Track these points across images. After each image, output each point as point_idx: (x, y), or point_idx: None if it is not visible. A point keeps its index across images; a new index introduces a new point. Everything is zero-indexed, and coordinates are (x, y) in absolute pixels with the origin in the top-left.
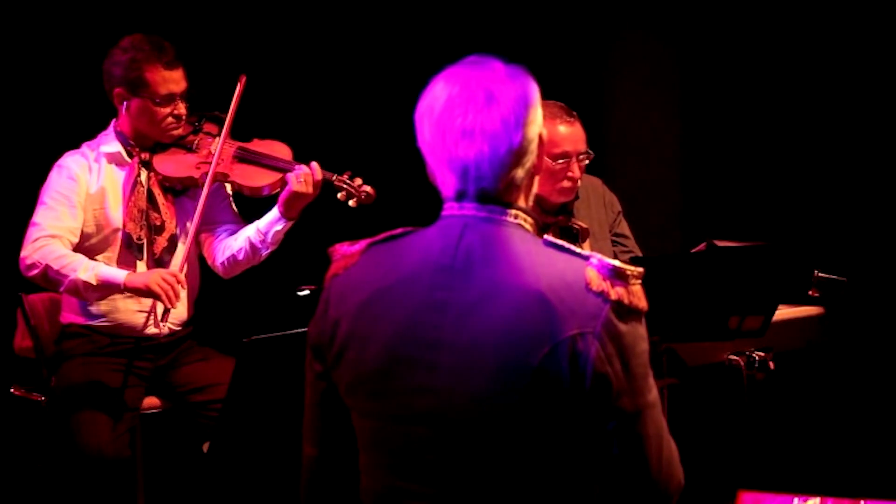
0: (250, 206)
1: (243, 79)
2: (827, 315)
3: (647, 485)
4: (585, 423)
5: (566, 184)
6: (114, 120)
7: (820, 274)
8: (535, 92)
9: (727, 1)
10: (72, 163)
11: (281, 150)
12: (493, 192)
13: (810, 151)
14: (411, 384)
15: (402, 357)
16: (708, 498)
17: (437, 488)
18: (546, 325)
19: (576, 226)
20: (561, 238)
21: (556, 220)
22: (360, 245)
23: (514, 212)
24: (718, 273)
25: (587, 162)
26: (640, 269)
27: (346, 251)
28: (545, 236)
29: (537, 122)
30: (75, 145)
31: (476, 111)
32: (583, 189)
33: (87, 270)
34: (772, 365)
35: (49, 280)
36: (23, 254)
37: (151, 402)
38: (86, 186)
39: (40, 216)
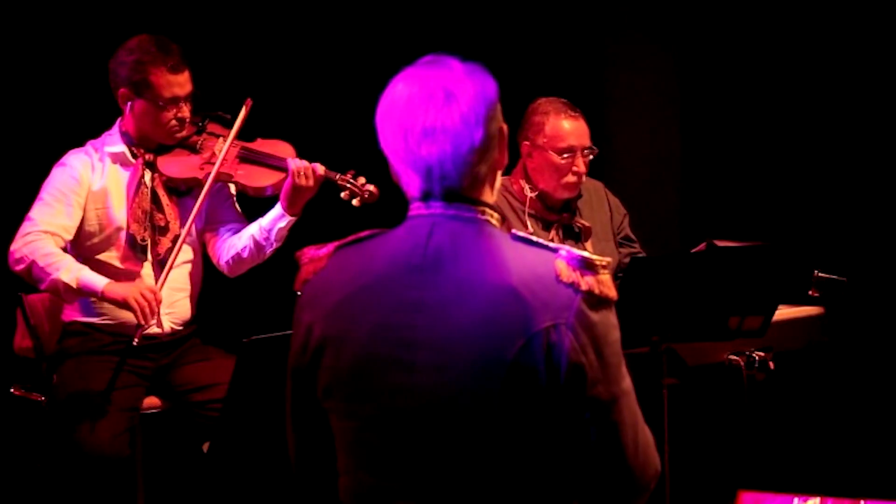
0: (254, 205)
1: (249, 103)
2: (827, 315)
3: (625, 472)
4: (562, 413)
5: (571, 178)
6: (119, 119)
7: (820, 274)
8: (493, 88)
9: (726, 2)
10: (75, 160)
11: (284, 150)
12: (459, 190)
13: (810, 151)
14: (389, 384)
15: (378, 358)
16: (708, 498)
17: (419, 486)
18: (519, 319)
19: (578, 224)
20: (564, 236)
21: (560, 217)
22: (328, 248)
23: (480, 208)
24: (718, 273)
25: (591, 157)
26: (608, 259)
27: (313, 255)
28: (513, 230)
29: (497, 118)
30: (79, 144)
31: (436, 110)
32: (585, 190)
33: (70, 272)
34: (772, 365)
35: (32, 276)
36: (12, 247)
37: (152, 401)
38: (88, 185)
39: (36, 212)
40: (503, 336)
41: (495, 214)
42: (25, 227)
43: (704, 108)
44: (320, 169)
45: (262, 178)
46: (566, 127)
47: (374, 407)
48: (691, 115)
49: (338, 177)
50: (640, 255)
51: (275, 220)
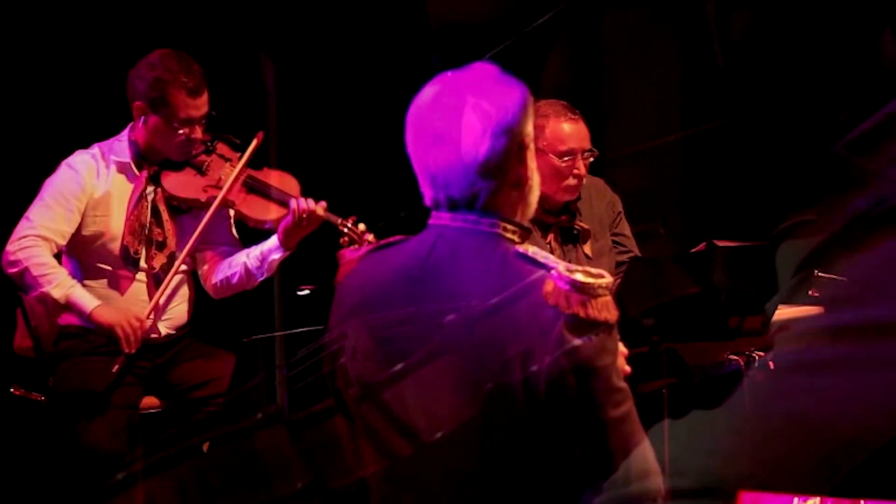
0: (251, 230)
1: (260, 136)
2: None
3: (618, 497)
4: (547, 436)
5: (571, 181)
6: (129, 126)
7: (820, 274)
8: (520, 102)
9: (728, 1)
10: (80, 164)
11: (290, 185)
12: (462, 200)
13: (810, 151)
14: (389, 395)
15: (378, 367)
16: (708, 498)
17: (425, 499)
18: (498, 341)
19: (577, 227)
20: (562, 238)
21: (559, 220)
22: (361, 252)
23: (490, 221)
24: (718, 273)
25: (591, 160)
26: (609, 280)
27: (348, 258)
28: (516, 247)
29: (517, 132)
30: (81, 144)
31: (450, 118)
32: (584, 189)
33: (61, 289)
34: (772, 365)
35: (24, 282)
36: (7, 248)
37: (150, 401)
38: (90, 192)
39: (35, 213)
40: (482, 356)
41: (510, 227)
42: (22, 229)
43: (704, 108)
44: (320, 211)
45: (264, 212)
46: (566, 129)
47: (379, 416)
48: (691, 115)
49: (339, 221)
50: (631, 252)
51: (270, 251)
